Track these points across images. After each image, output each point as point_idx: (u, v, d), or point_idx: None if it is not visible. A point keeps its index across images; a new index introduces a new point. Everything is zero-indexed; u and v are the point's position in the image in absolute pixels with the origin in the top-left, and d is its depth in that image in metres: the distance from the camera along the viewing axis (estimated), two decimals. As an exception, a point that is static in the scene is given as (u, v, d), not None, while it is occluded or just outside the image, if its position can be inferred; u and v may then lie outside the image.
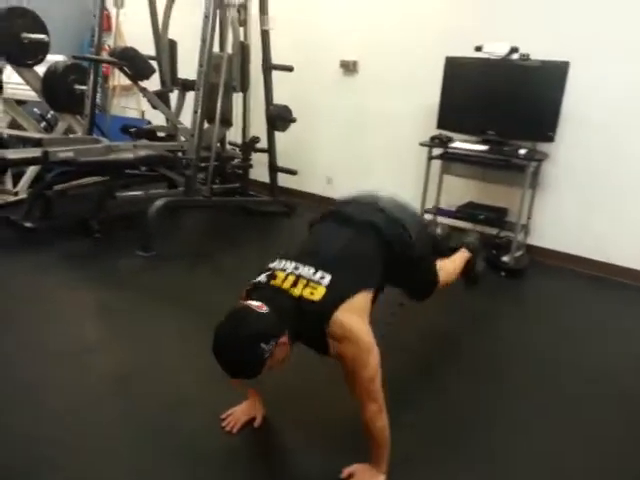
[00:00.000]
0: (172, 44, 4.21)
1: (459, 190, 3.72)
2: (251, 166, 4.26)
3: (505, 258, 3.28)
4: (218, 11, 3.49)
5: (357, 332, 1.38)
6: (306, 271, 1.45)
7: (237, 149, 4.36)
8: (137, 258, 3.20)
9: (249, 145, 4.17)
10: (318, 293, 1.40)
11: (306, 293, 1.40)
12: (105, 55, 4.18)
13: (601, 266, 3.32)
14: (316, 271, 1.45)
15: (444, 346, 2.43)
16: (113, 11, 4.32)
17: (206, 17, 3.41)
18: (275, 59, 3.97)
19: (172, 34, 4.15)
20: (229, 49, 3.80)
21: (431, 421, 1.84)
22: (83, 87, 4.30)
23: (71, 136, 4.07)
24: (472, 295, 2.82)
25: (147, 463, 1.58)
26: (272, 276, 1.49)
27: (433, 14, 3.66)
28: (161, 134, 4.30)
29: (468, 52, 3.30)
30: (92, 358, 2.12)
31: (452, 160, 3.47)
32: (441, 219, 3.68)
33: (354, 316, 1.40)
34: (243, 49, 3.81)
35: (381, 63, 3.98)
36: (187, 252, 3.42)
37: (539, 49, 3.11)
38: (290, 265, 1.49)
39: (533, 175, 3.25)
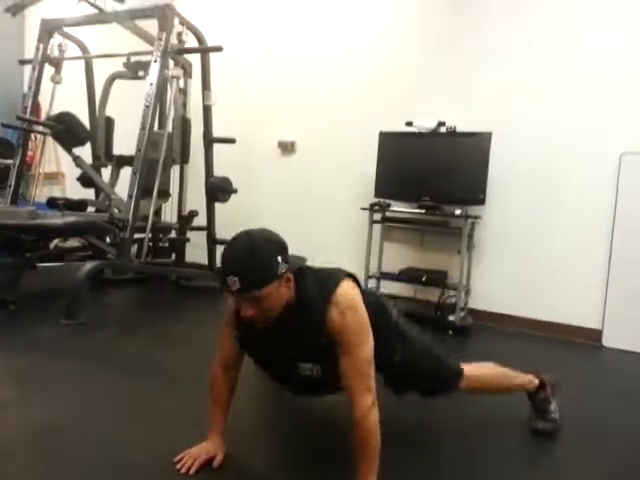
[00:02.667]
0: (109, 121, 4.21)
1: (398, 258, 3.80)
2: (188, 239, 4.13)
3: (451, 317, 3.30)
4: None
5: (360, 307, 1.37)
6: None
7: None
8: (62, 327, 2.85)
9: (186, 218, 4.08)
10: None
11: None
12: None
13: (543, 325, 3.42)
14: None
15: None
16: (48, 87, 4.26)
17: (146, 107, 3.37)
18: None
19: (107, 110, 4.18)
20: (170, 126, 3.86)
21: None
22: (7, 161, 4.13)
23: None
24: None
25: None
26: None
27: (367, 94, 3.97)
28: (91, 209, 4.12)
29: (400, 127, 3.58)
30: (12, 412, 1.76)
31: (392, 222, 3.58)
32: (384, 283, 3.69)
33: (358, 294, 1.40)
34: (184, 123, 3.88)
35: (319, 142, 4.19)
36: (119, 321, 3.12)
37: (464, 122, 3.45)
38: None
39: (468, 237, 3.41)
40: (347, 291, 1.36)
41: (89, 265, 3.05)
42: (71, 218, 3.46)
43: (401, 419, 1.88)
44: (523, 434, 1.88)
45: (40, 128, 3.79)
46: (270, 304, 1.29)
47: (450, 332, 3.23)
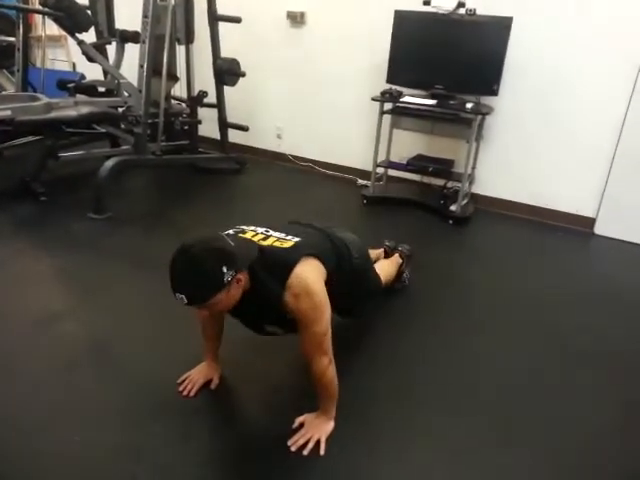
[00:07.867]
0: (107, -8, 3.95)
1: (408, 143, 3.85)
2: (200, 122, 4.16)
3: (452, 207, 3.48)
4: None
5: (313, 288, 1.45)
6: (277, 233, 1.60)
7: (183, 104, 4.24)
8: (91, 221, 3.12)
9: (196, 100, 4.06)
10: (287, 244, 1.53)
11: (276, 244, 1.52)
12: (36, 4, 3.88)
13: (540, 211, 3.60)
14: (287, 235, 1.59)
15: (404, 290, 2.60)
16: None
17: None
18: (220, 10, 3.82)
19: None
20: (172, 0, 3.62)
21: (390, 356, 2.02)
22: (9, 38, 4.01)
23: (4, 93, 3.80)
24: (426, 244, 3.04)
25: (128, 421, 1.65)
26: (241, 231, 1.59)
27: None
28: (101, 89, 4.10)
29: (417, 6, 3.35)
30: (61, 326, 2.11)
31: (402, 114, 3.56)
32: (391, 171, 3.82)
33: (314, 272, 1.50)
34: (187, -2, 3.65)
35: (330, 15, 3.94)
36: (142, 212, 3.37)
37: (485, 4, 3.21)
38: (261, 229, 1.63)
39: (478, 128, 3.41)
40: (301, 274, 1.43)
41: (110, 163, 3.20)
42: (85, 109, 3.51)
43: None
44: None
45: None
46: (222, 306, 1.38)
47: (450, 222, 3.45)
